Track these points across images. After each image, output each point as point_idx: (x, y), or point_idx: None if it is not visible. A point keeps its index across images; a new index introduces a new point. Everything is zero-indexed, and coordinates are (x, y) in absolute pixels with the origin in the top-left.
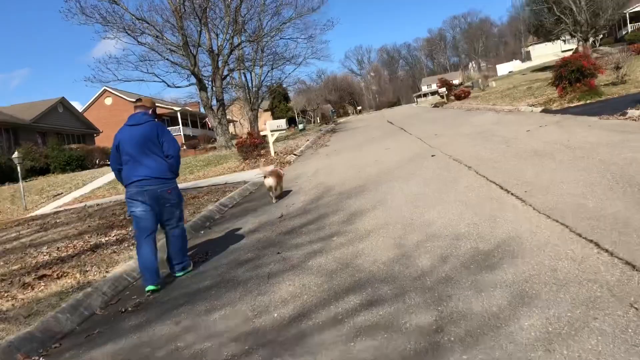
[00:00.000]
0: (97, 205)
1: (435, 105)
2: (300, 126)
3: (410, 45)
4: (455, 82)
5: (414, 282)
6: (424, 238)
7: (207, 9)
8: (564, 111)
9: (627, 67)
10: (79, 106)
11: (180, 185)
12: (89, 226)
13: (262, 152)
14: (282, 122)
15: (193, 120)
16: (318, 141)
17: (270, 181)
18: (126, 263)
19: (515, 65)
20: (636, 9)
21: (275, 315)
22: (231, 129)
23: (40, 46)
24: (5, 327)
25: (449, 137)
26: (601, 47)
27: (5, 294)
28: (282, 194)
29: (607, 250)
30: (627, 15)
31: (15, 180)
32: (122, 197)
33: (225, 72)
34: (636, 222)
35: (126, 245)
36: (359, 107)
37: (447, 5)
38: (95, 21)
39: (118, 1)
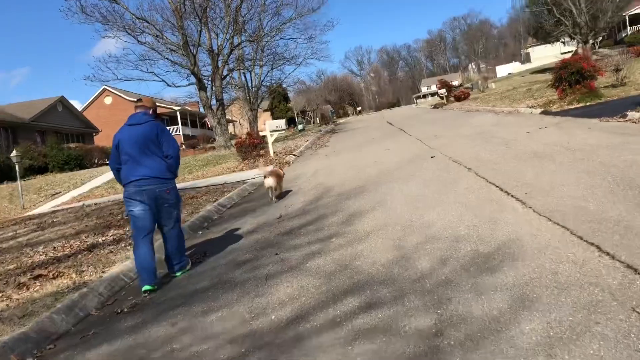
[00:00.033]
0: (95, 204)
1: (435, 107)
2: (300, 126)
3: (410, 46)
4: (455, 83)
5: (414, 285)
6: (423, 240)
7: (208, 9)
8: (563, 113)
9: (627, 69)
10: (78, 105)
11: (178, 185)
12: (86, 226)
13: (261, 152)
14: (282, 123)
15: (192, 119)
16: (317, 142)
17: (270, 181)
18: (123, 263)
19: (515, 67)
20: (635, 12)
21: (273, 317)
22: (230, 129)
23: (41, 45)
24: None
25: (448, 139)
26: (600, 50)
27: (0, 294)
28: (281, 194)
29: (608, 254)
30: (627, 18)
31: (14, 179)
32: (120, 196)
33: (225, 72)
34: (637, 225)
35: (123, 245)
36: (359, 108)
37: (447, 7)
38: (95, 20)
39: (118, 0)
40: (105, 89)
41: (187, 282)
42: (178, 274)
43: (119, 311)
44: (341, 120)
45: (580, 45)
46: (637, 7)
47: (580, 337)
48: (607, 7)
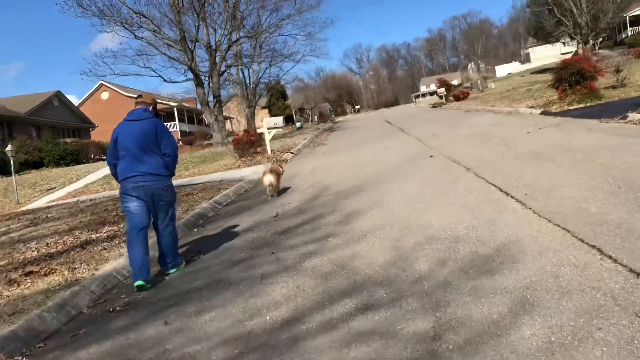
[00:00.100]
0: (90, 200)
1: (434, 106)
2: (298, 124)
3: (410, 45)
4: (454, 82)
5: (411, 287)
6: (421, 240)
7: (206, 4)
8: (563, 113)
9: (627, 71)
10: (75, 100)
11: (174, 182)
12: (80, 222)
13: (259, 149)
14: (280, 120)
15: (190, 116)
16: (315, 140)
17: (269, 178)
18: (116, 261)
19: (515, 66)
20: (636, 13)
21: (268, 318)
22: (228, 125)
23: (37, 39)
24: None
25: (447, 138)
26: (600, 50)
27: None
28: (278, 192)
29: (610, 257)
30: (627, 19)
31: (8, 174)
32: (115, 192)
33: (223, 68)
34: (639, 228)
35: (117, 242)
36: (358, 107)
37: (447, 5)
38: (92, 14)
39: None
40: (102, 84)
41: (181, 281)
42: (171, 271)
43: (111, 310)
44: (339, 119)
45: (580, 45)
46: (638, 8)
47: (583, 343)
48: (608, 8)
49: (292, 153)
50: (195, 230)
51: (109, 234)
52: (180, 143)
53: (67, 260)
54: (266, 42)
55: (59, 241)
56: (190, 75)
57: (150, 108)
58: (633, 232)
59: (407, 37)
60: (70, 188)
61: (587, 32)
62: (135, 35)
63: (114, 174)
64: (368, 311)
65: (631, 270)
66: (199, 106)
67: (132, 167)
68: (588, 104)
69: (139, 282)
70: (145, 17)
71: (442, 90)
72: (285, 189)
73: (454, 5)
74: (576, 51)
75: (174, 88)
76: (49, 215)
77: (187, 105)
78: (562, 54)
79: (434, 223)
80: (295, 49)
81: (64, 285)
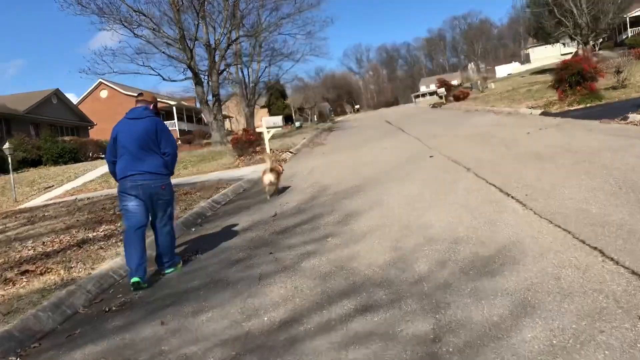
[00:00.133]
0: (88, 198)
1: (434, 106)
2: (297, 124)
3: (410, 45)
4: (454, 83)
5: (411, 288)
6: (421, 241)
7: (205, 2)
8: (564, 114)
9: (628, 72)
10: (74, 98)
11: (173, 181)
12: (77, 220)
13: (258, 149)
14: (279, 119)
15: (189, 115)
16: (315, 139)
17: (269, 177)
18: (113, 260)
19: (515, 67)
20: (636, 14)
21: (266, 319)
22: (227, 124)
23: (36, 37)
24: None
25: (447, 138)
26: (601, 51)
27: None
28: (278, 192)
29: (612, 259)
30: (627, 20)
31: (6, 172)
32: (113, 191)
33: (222, 67)
34: None
35: (114, 241)
36: (357, 106)
37: (447, 5)
38: (91, 12)
39: None
40: (101, 83)
41: (178, 280)
42: (169, 271)
43: (107, 310)
44: (339, 119)
45: (580, 46)
46: (638, 9)
47: (585, 346)
48: (608, 9)
49: (291, 152)
50: (194, 229)
51: (105, 232)
52: (179, 142)
53: (64, 259)
54: (266, 41)
55: (55, 240)
56: (189, 74)
57: (151, 106)
58: (635, 233)
59: (407, 37)
60: (68, 186)
61: (587, 33)
62: (134, 34)
63: (113, 171)
64: (367, 312)
65: (633, 273)
66: (198, 105)
67: (131, 166)
68: (588, 105)
69: (135, 279)
70: (144, 15)
71: (442, 90)
72: (284, 189)
73: (454, 6)
74: (576, 52)
75: (173, 87)
76: (46, 214)
77: (186, 104)
78: (562, 54)
79: (434, 223)
80: (295, 48)
81: (60, 285)
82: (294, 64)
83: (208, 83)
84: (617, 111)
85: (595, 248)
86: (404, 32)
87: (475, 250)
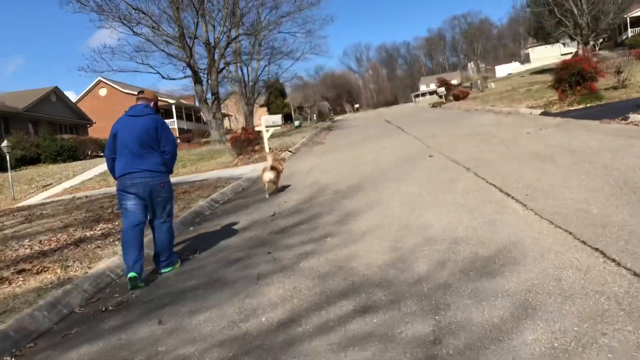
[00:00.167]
0: (86, 197)
1: (434, 105)
2: (296, 123)
3: (410, 44)
4: (454, 82)
5: (410, 288)
6: (420, 241)
7: (205, 0)
8: (563, 114)
9: (628, 72)
10: (73, 96)
11: (171, 180)
12: (75, 219)
13: (257, 148)
14: (278, 118)
15: (188, 113)
16: (314, 138)
17: (269, 175)
18: (110, 259)
19: (514, 67)
20: (637, 14)
21: (264, 319)
22: (226, 123)
23: (35, 35)
24: None
25: (447, 138)
26: (601, 51)
27: None
28: (277, 190)
29: (613, 260)
30: (628, 20)
31: (5, 170)
32: (111, 189)
33: (222, 65)
34: None
35: (111, 240)
36: (357, 105)
37: (447, 5)
38: (90, 10)
39: None
40: (100, 81)
41: (176, 280)
42: (166, 270)
43: (104, 309)
44: (338, 118)
45: (580, 46)
46: (639, 9)
47: (587, 349)
48: (608, 9)
49: (290, 152)
50: (192, 228)
51: (103, 231)
52: (178, 140)
53: (60, 258)
54: (265, 40)
55: (52, 238)
56: (188, 72)
57: (152, 104)
58: (636, 234)
59: (407, 36)
60: (67, 184)
61: (587, 33)
62: (133, 32)
63: (111, 168)
64: (366, 313)
65: (635, 274)
66: (197, 103)
67: (130, 164)
68: (588, 105)
69: (132, 274)
70: (144, 13)
71: (442, 89)
72: (283, 188)
73: (454, 5)
74: (576, 52)
75: (172, 85)
76: (43, 212)
77: (185, 102)
78: (562, 54)
79: (433, 223)
80: (295, 47)
81: (57, 284)
82: (293, 63)
83: (207, 81)
84: (618, 111)
85: (596, 249)
86: (403, 31)
87: (475, 250)
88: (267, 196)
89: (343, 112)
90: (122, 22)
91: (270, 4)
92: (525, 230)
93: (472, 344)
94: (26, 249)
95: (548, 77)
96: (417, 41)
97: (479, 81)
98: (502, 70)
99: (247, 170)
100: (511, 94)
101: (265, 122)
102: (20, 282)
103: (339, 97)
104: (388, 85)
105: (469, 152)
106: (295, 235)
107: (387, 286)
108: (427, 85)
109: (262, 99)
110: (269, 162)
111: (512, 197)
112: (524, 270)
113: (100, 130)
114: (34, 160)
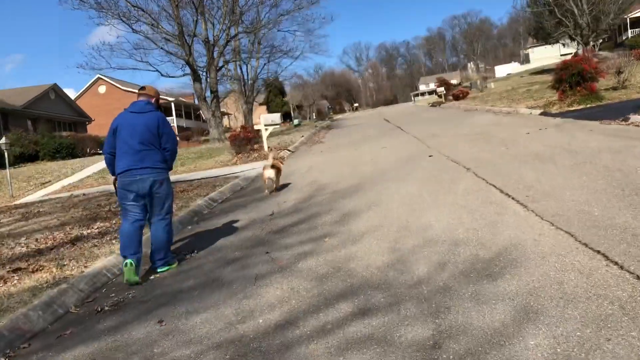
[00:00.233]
0: (84, 195)
1: (433, 105)
2: (296, 121)
3: (409, 44)
4: (454, 82)
5: (410, 291)
6: (420, 243)
7: None
8: (563, 114)
9: (628, 72)
10: (72, 93)
11: (170, 177)
12: (72, 217)
13: (256, 146)
14: (277, 117)
15: (187, 111)
16: (313, 137)
17: (270, 173)
18: (107, 258)
19: (514, 67)
20: (637, 14)
21: (261, 321)
22: (225, 121)
23: (35, 32)
24: None
25: (447, 138)
26: (600, 52)
27: None
28: (277, 188)
29: (616, 263)
30: (628, 21)
31: (3, 167)
32: (109, 187)
33: (221, 63)
34: None
35: (108, 238)
36: (356, 104)
37: (447, 5)
38: (89, 7)
39: None
40: (99, 78)
41: (173, 280)
42: (163, 269)
43: (99, 309)
44: (338, 117)
45: (580, 47)
46: (638, 10)
47: (590, 354)
48: (609, 9)
49: (289, 150)
50: (190, 227)
51: (100, 230)
52: (178, 138)
53: (56, 256)
54: (265, 38)
55: (49, 237)
56: (187, 70)
57: (153, 100)
58: (639, 237)
59: (407, 35)
60: (65, 182)
61: (587, 33)
62: (132, 29)
63: (110, 163)
64: (365, 316)
65: (638, 278)
66: (196, 101)
67: (131, 162)
68: (588, 105)
69: (128, 260)
70: (143, 10)
71: (441, 89)
72: (282, 187)
73: (454, 5)
74: (576, 52)
75: (172, 83)
76: (41, 210)
77: (184, 100)
78: (561, 55)
79: (433, 224)
80: (294, 45)
81: (52, 283)
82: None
83: (206, 79)
84: (618, 112)
85: (598, 252)
86: (403, 31)
87: (476, 252)
88: (267, 192)
89: (342, 111)
90: (121, 19)
91: (270, 2)
92: (526, 232)
93: (473, 349)
94: (22, 247)
95: (548, 78)
96: (416, 41)
97: (478, 81)
98: (501, 70)
99: (246, 168)
100: (511, 94)
101: (264, 120)
102: (15, 281)
103: (338, 96)
104: (387, 84)
105: (468, 152)
106: (294, 235)
107: (386, 288)
108: (426, 84)
109: (261, 98)
110: (270, 160)
111: (513, 198)
112: (525, 273)
113: (99, 128)
114: (32, 158)
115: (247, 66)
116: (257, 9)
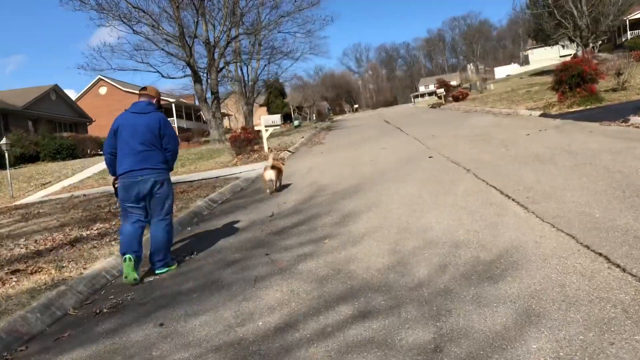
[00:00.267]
0: (84, 195)
1: (433, 106)
2: (296, 122)
3: (409, 45)
4: (453, 83)
5: (410, 293)
6: (420, 244)
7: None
8: (563, 116)
9: (628, 74)
10: (73, 94)
11: (170, 178)
12: (72, 218)
13: (256, 147)
14: (277, 118)
15: (188, 112)
16: (313, 138)
17: (271, 174)
18: (106, 259)
19: (514, 68)
20: (636, 16)
21: (260, 323)
22: (226, 123)
23: (36, 33)
24: None
25: (447, 139)
26: (600, 53)
27: None
28: (277, 189)
29: (618, 266)
30: (627, 22)
31: (3, 167)
32: (109, 188)
33: (221, 65)
34: None
35: (108, 240)
36: (356, 106)
37: (446, 6)
38: (90, 8)
39: None
40: (100, 79)
41: (172, 282)
42: (162, 271)
43: (98, 312)
44: (338, 118)
45: (580, 48)
46: (638, 11)
47: (594, 359)
48: (608, 11)
49: (289, 151)
50: (189, 228)
51: (99, 231)
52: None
53: (55, 258)
54: (265, 39)
55: (48, 238)
56: (188, 71)
57: (154, 101)
58: None
59: (407, 37)
60: (66, 183)
61: (587, 35)
62: (133, 30)
63: (110, 164)
64: (365, 319)
65: None
66: (197, 102)
67: (132, 163)
68: (588, 107)
69: (127, 255)
70: (144, 11)
71: (441, 90)
72: (282, 188)
73: (454, 6)
74: (575, 54)
75: (172, 84)
76: (41, 211)
77: (185, 101)
78: (561, 56)
79: (433, 226)
80: (295, 47)
81: (51, 285)
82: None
83: (207, 81)
84: (618, 113)
85: (600, 254)
86: (403, 32)
87: (477, 254)
88: (267, 192)
89: (342, 112)
90: (122, 21)
91: (271, 4)
92: (527, 234)
93: (475, 353)
94: (21, 248)
95: (547, 79)
96: (416, 42)
97: (478, 82)
98: (501, 71)
99: (246, 169)
100: (510, 96)
101: (265, 121)
102: (13, 283)
103: (338, 98)
104: (387, 85)
105: (468, 153)
106: (294, 236)
107: (387, 291)
108: (426, 86)
109: (261, 99)
110: (270, 161)
111: (513, 200)
112: (527, 276)
113: (99, 129)
114: (33, 158)
115: (247, 67)
116: (257, 11)
